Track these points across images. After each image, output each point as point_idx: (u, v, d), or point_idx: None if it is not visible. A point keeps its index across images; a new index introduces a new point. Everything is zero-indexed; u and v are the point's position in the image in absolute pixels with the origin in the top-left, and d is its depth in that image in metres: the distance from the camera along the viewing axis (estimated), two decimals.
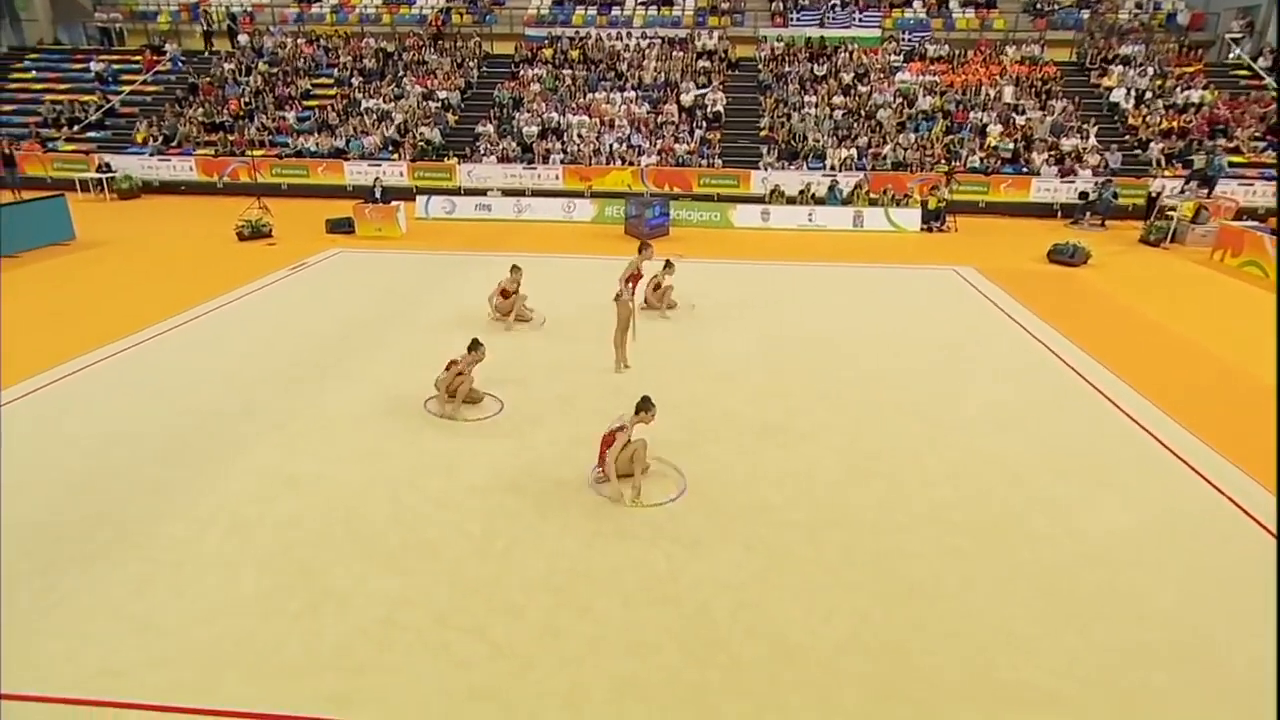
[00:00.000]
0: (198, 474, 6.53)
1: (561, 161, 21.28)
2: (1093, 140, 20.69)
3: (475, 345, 7.76)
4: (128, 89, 25.14)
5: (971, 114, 21.73)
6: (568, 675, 4.44)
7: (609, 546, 5.62)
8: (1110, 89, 22.54)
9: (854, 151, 20.62)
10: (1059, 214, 19.35)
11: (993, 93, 22.30)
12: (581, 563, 5.43)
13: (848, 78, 23.16)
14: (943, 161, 20.21)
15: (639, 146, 21.48)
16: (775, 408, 7.98)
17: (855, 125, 21.61)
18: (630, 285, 8.59)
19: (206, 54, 26.78)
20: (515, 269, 10.61)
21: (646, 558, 5.48)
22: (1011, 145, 20.69)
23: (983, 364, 9.29)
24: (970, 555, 5.59)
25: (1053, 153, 20.42)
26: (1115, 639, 4.80)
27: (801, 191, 19.04)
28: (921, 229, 17.80)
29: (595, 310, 10.69)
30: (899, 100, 22.23)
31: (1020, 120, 21.36)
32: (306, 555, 5.48)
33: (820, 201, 18.84)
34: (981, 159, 20.37)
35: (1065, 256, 14.56)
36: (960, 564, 5.49)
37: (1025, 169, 20.29)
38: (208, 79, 25.10)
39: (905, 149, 20.60)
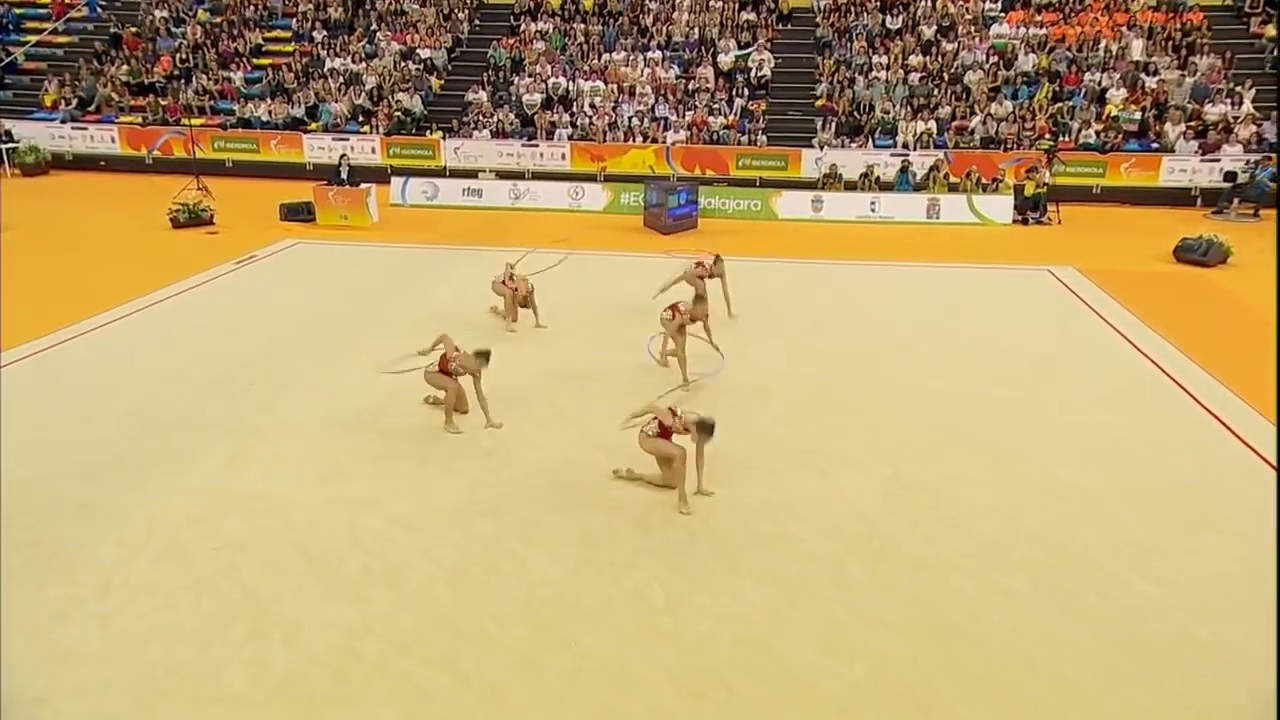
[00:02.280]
0: (128, 491, 7.30)
1: (569, 138, 22.06)
2: (1247, 107, 20.65)
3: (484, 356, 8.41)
4: (32, 40, 26.22)
5: (1087, 75, 22.10)
6: (544, 709, 5.06)
7: (599, 576, 6.25)
8: (1274, 41, 22.67)
9: (933, 125, 21.19)
10: (1198, 201, 19.63)
11: (1116, 48, 22.63)
12: (567, 592, 6.06)
13: (928, 32, 23.78)
14: (1046, 136, 20.63)
15: (665, 120, 22.23)
16: (813, 428, 8.60)
17: (936, 92, 22.19)
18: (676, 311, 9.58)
19: None
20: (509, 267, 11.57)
21: (641, 589, 6.10)
22: (1138, 115, 21.04)
23: (1072, 383, 9.79)
24: (1025, 597, 6.10)
25: (1193, 124, 20.61)
26: (1192, 697, 5.27)
27: (864, 175, 19.63)
28: (1014, 221, 18.29)
29: (600, 314, 11.38)
30: (993, 60, 22.77)
31: (1151, 83, 21.63)
32: (252, 580, 6.18)
33: (887, 187, 19.41)
34: (1098, 133, 20.75)
35: (1196, 254, 14.92)
36: (1012, 606, 6.01)
37: (1155, 145, 20.63)
38: (133, 29, 26.20)
39: (999, 121, 21.10)
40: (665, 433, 7.17)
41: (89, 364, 10.05)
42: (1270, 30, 22.94)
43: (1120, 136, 20.73)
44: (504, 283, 11.42)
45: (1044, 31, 23.40)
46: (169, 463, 7.76)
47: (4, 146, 22.48)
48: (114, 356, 10.27)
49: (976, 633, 5.73)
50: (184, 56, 25.38)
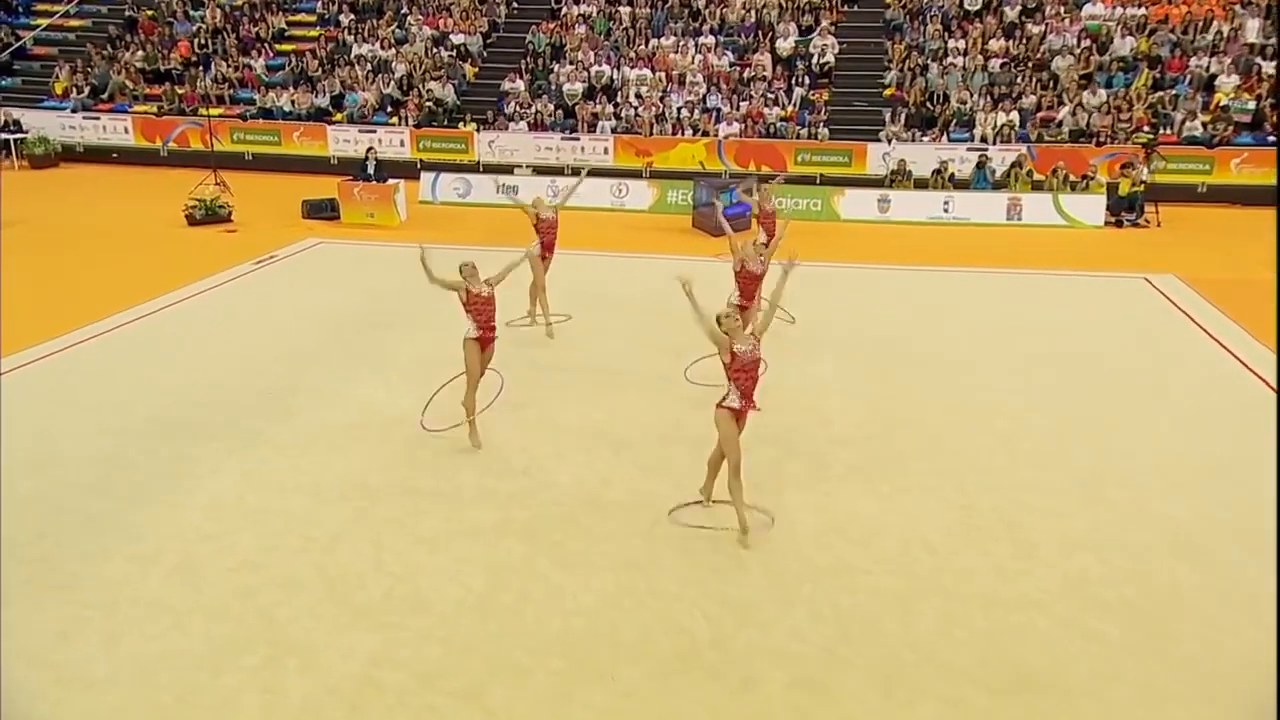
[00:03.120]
0: (139, 505, 7.51)
1: (613, 131, 22.28)
2: None
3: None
4: (44, 23, 26.94)
5: (1193, 60, 21.73)
6: None
7: (639, 606, 6.29)
8: None
9: (1015, 116, 21.00)
10: None
11: (1227, 29, 22.23)
12: (605, 623, 6.12)
13: (1012, 13, 23.60)
14: (1144, 129, 20.36)
15: (717, 111, 22.33)
16: (875, 449, 8.58)
17: (1020, 80, 22.01)
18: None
19: None
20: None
21: (686, 621, 6.13)
22: (1252, 104, 20.63)
23: (1169, 404, 9.64)
24: (1117, 643, 6.01)
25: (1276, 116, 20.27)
26: None
27: (937, 171, 19.53)
28: (1107, 223, 18.05)
29: (641, 322, 11.46)
30: (1085, 44, 22.53)
31: (1268, 68, 21.18)
32: (268, 603, 6.33)
33: (962, 185, 19.29)
34: (1205, 125, 20.40)
35: None
36: (1102, 652, 5.92)
37: (1271, 138, 20.18)
38: (150, 13, 26.93)
39: (1091, 112, 20.86)
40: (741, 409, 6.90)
41: (96, 370, 10.38)
42: None
43: (1231, 129, 20.31)
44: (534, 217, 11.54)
45: (1143, 11, 23.00)
46: (181, 476, 7.98)
47: (12, 137, 23.24)
48: (123, 362, 10.60)
49: (1061, 681, 5.66)
50: (202, 42, 26.03)
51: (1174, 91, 21.27)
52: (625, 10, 25.22)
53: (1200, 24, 22.45)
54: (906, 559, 6.85)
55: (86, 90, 24.95)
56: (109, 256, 15.11)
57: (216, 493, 7.73)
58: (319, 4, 27.07)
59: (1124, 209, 18.14)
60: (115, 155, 23.94)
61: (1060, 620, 6.20)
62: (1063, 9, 23.41)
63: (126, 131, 24.11)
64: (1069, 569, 6.77)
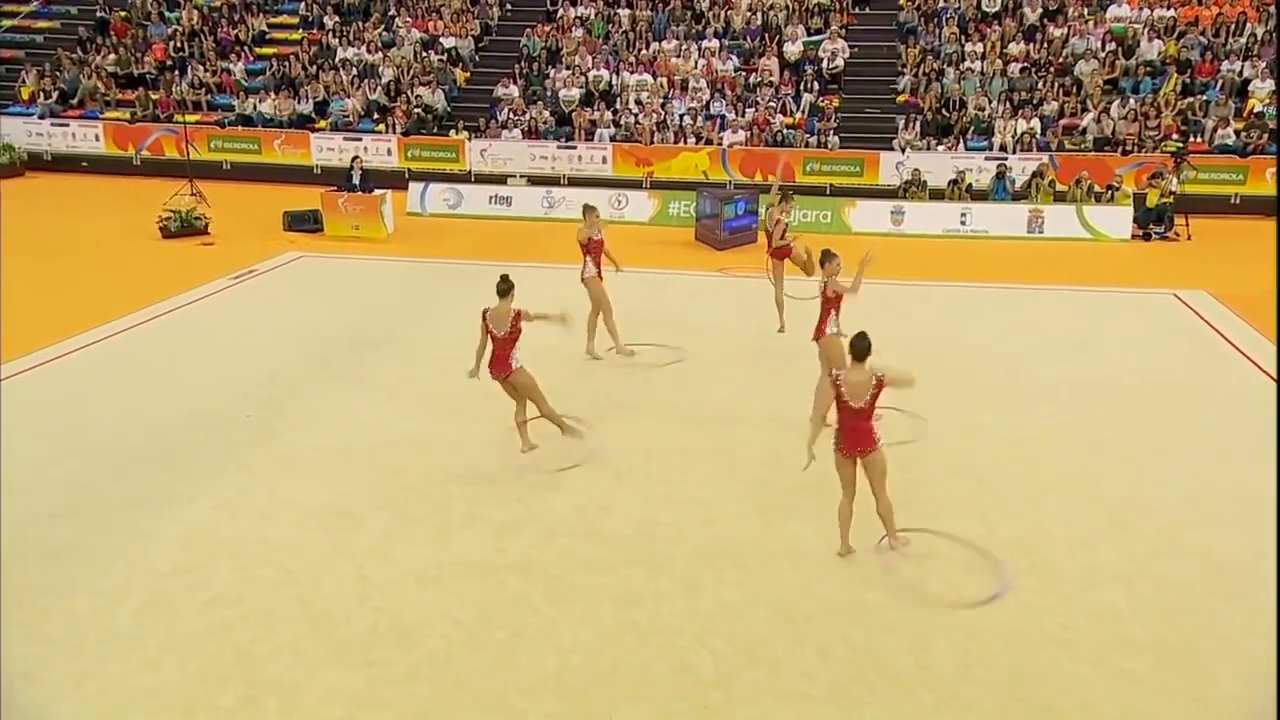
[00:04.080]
0: (107, 536, 7.50)
1: (612, 139, 22.38)
2: None
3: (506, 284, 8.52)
4: (8, 23, 27.14)
5: (1224, 65, 21.85)
6: None
7: (641, 643, 6.28)
8: None
9: (1036, 124, 21.10)
10: None
11: (1260, 31, 22.36)
12: (603, 661, 6.10)
13: (1032, 15, 23.73)
14: (1173, 137, 20.43)
15: (721, 118, 22.42)
16: (891, 474, 8.50)
17: (1041, 86, 22.13)
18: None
19: None
20: (589, 210, 11.58)
21: (688, 659, 6.12)
22: None
23: (1204, 429, 9.63)
24: (1149, 683, 5.99)
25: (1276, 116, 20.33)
26: None
27: (954, 182, 19.53)
28: (1134, 236, 18.10)
29: (644, 340, 11.47)
30: (1110, 47, 22.66)
31: None
32: (246, 639, 6.31)
33: (980, 196, 19.34)
34: (1237, 133, 20.50)
35: None
36: (1133, 692, 5.90)
37: None
38: (122, 14, 27.05)
39: (1116, 119, 20.96)
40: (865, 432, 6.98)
41: (64, 392, 10.38)
42: None
43: (1265, 137, 20.37)
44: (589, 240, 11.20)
45: (1172, 13, 23.16)
46: (154, 504, 7.97)
47: None
48: (93, 384, 10.61)
49: None
50: (178, 45, 26.14)
51: (1204, 97, 21.38)
52: (625, 13, 25.35)
53: (1232, 26, 22.56)
54: (923, 592, 6.83)
55: (55, 95, 25.02)
56: (78, 271, 15.12)
57: (191, 521, 7.72)
58: (301, 6, 27.16)
59: (1152, 221, 18.18)
60: (85, 164, 23.99)
61: (1087, 659, 6.18)
62: (1086, 11, 23.57)
63: (97, 139, 24.17)
64: (1096, 603, 6.75)
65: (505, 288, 8.47)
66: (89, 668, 6.06)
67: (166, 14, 27.10)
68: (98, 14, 27.25)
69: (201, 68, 25.45)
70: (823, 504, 7.97)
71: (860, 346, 7.02)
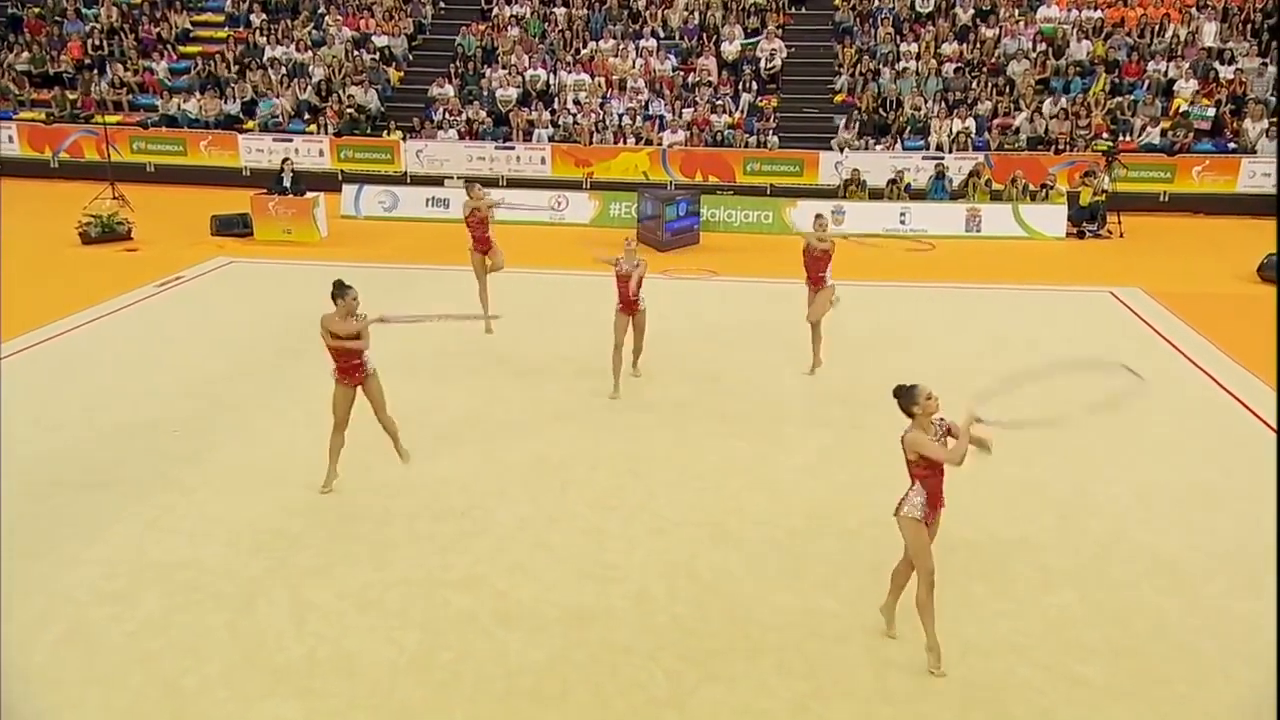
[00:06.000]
0: (24, 562, 7.09)
1: (550, 139, 22.16)
2: None
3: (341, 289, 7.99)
4: None
5: (1150, 65, 22.28)
6: None
7: (592, 662, 6.10)
8: None
9: (971, 123, 21.33)
10: None
11: (1184, 33, 22.87)
12: (552, 683, 5.90)
13: (965, 16, 24.00)
14: (1103, 136, 20.79)
15: (660, 119, 22.34)
16: (836, 477, 8.51)
17: (975, 86, 22.37)
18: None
19: None
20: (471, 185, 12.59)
21: (640, 677, 5.96)
22: (1212, 110, 21.19)
23: (1144, 427, 9.65)
24: (1103, 689, 5.97)
25: (1276, 120, 20.81)
26: None
27: (892, 181, 19.69)
28: (1068, 234, 18.38)
29: (583, 345, 11.28)
30: (1041, 48, 22.97)
31: (1227, 73, 21.82)
32: (174, 671, 5.99)
33: (919, 195, 19.48)
34: (1164, 132, 20.92)
35: None
36: (1088, 699, 5.88)
37: (1233, 145, 20.75)
38: (36, 10, 26.17)
39: (1048, 119, 21.27)
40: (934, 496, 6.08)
41: None
42: None
43: (1191, 136, 20.83)
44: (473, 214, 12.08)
45: (1099, 15, 23.57)
46: (76, 527, 7.57)
47: None
48: (7, 398, 10.02)
49: None
50: (97, 43, 25.39)
51: (1132, 97, 21.76)
52: (560, 11, 25.15)
53: (1156, 27, 23.02)
54: (876, 602, 6.71)
55: None
56: None
57: (116, 544, 7.34)
58: (227, 3, 26.54)
59: (1085, 219, 18.47)
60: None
61: (1042, 665, 6.15)
62: (1017, 12, 23.86)
63: (11, 140, 23.33)
64: (1049, 607, 6.73)
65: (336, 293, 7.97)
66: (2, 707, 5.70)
67: (84, 10, 26.25)
68: (9, 10, 26.37)
69: (122, 66, 24.70)
70: (774, 518, 7.88)
71: (901, 407, 6.23)
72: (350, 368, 7.95)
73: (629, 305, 10.11)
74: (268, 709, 5.68)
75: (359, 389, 8.03)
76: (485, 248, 12.31)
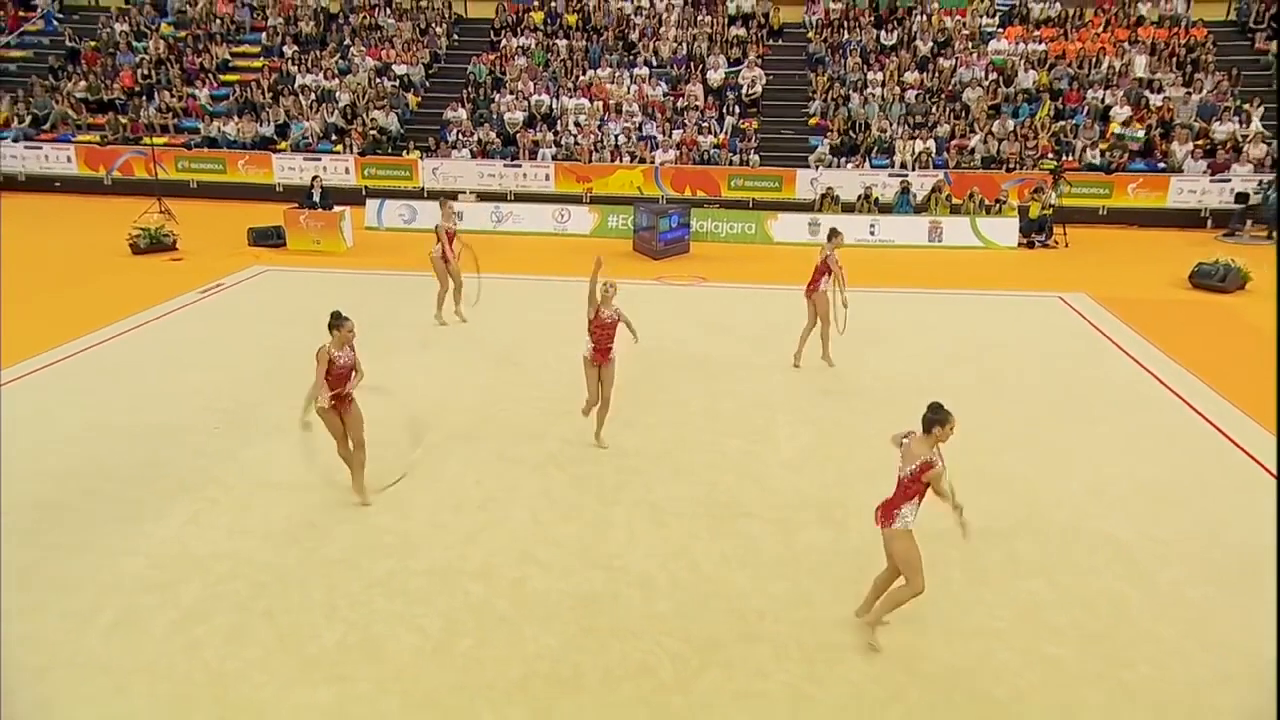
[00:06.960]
0: (75, 555, 6.82)
1: (553, 158, 21.96)
2: (1256, 125, 20.86)
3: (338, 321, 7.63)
4: None
5: (1089, 93, 22.25)
6: None
7: (601, 647, 5.86)
8: (1278, 58, 22.78)
9: (931, 144, 21.15)
10: (1209, 223, 19.71)
11: (1119, 64, 22.81)
12: (566, 667, 5.66)
13: (924, 48, 23.84)
14: (1049, 156, 20.69)
15: (653, 139, 22.14)
16: (818, 474, 8.27)
17: (934, 110, 22.19)
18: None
19: (92, 7, 27.77)
20: (445, 203, 13.25)
21: (649, 661, 5.72)
22: (1143, 133, 21.16)
23: (1097, 423, 9.48)
24: (1075, 672, 5.75)
25: (1200, 142, 20.81)
26: None
27: (862, 196, 19.54)
28: (1020, 244, 18.21)
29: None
30: (992, 76, 22.83)
31: (1156, 100, 21.80)
32: (215, 658, 5.73)
33: (886, 209, 19.30)
34: (1102, 152, 20.82)
35: (1213, 280, 14.81)
36: (1062, 680, 5.67)
37: (1162, 164, 20.71)
38: (93, 43, 26.00)
39: (1000, 140, 21.11)
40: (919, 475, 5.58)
41: (32, 407, 9.48)
42: (1274, 47, 23.11)
43: (1125, 156, 20.83)
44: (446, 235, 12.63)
45: (1043, 47, 23.58)
46: (122, 521, 7.28)
47: None
48: (62, 398, 9.73)
49: (1026, 714, 5.39)
50: (146, 72, 25.18)
51: (1074, 121, 21.70)
52: (563, 43, 25.06)
53: (1093, 59, 23.02)
54: (864, 588, 6.47)
55: (28, 120, 23.90)
56: (50, 287, 14.13)
57: (161, 538, 7.06)
58: (263, 36, 26.38)
59: (1034, 231, 18.33)
60: (58, 184, 22.91)
61: (1018, 649, 5.94)
62: (970, 44, 23.80)
63: (69, 161, 23.06)
64: (1020, 593, 6.52)
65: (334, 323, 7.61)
66: (56, 694, 5.44)
67: (135, 44, 26.07)
68: (69, 44, 26.20)
69: (168, 93, 24.48)
70: (762, 510, 7.65)
71: (927, 418, 5.68)
72: (343, 397, 7.53)
73: (604, 354, 8.48)
74: (303, 695, 5.42)
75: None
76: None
